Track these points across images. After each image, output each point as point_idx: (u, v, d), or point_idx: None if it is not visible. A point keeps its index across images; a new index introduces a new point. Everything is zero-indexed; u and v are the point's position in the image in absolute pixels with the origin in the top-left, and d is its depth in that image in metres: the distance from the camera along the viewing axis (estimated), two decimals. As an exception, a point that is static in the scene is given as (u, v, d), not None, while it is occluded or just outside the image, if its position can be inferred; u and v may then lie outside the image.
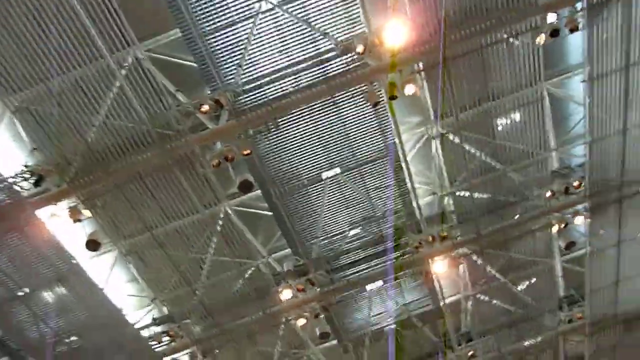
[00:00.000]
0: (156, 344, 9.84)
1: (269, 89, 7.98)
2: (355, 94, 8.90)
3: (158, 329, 10.02)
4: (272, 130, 8.32)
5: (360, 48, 7.50)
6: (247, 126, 7.75)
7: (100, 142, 7.95)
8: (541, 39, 7.86)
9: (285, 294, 9.62)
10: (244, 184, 8.06)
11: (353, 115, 9.26)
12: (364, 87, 8.06)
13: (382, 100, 8.11)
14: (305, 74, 7.98)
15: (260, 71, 8.00)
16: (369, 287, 11.44)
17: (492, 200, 10.57)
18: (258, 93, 7.95)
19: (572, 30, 7.94)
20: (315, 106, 8.54)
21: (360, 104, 8.93)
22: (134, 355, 10.21)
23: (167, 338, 9.93)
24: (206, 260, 10.04)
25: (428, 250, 9.93)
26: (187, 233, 10.03)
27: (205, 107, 7.51)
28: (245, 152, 7.91)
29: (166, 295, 10.67)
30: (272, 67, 8.01)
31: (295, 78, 8.01)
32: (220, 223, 10.11)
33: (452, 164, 10.63)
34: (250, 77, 7.93)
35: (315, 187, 10.01)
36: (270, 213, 10.19)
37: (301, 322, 10.06)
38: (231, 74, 7.81)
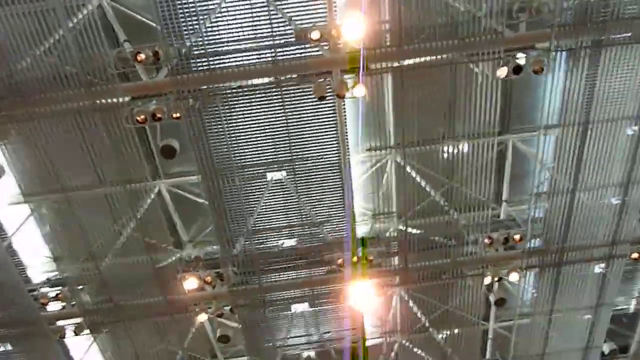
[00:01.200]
0: (41, 306, 9.04)
1: (219, 59, 7.63)
2: (312, 98, 8.74)
3: (49, 290, 9.25)
4: (224, 113, 7.97)
5: (315, 35, 7.19)
6: (181, 87, 7.28)
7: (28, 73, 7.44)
8: (502, 72, 7.59)
9: (190, 283, 8.95)
10: (165, 149, 7.54)
11: (310, 120, 8.99)
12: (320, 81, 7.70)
13: (329, 95, 7.72)
14: (258, 54, 7.66)
15: (217, 41, 7.67)
16: (293, 307, 10.98)
17: (429, 239, 10.16)
18: (206, 61, 7.57)
19: (535, 72, 7.72)
20: (269, 105, 8.25)
21: (320, 111, 8.72)
22: (22, 314, 9.38)
23: (57, 303, 9.19)
24: (123, 234, 9.41)
25: (350, 271, 9.35)
26: (116, 200, 9.42)
27: (142, 56, 7.07)
28: (174, 115, 7.45)
29: (71, 261, 9.97)
30: (230, 39, 7.67)
31: (247, 56, 7.69)
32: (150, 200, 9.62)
33: (401, 195, 10.35)
34: (205, 44, 7.57)
35: (258, 185, 9.60)
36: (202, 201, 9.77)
37: (202, 317, 9.34)
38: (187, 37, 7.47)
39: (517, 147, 10.55)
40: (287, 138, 9.05)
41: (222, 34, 7.67)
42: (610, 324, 11.42)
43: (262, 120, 8.80)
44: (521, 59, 7.71)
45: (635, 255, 9.85)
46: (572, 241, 9.46)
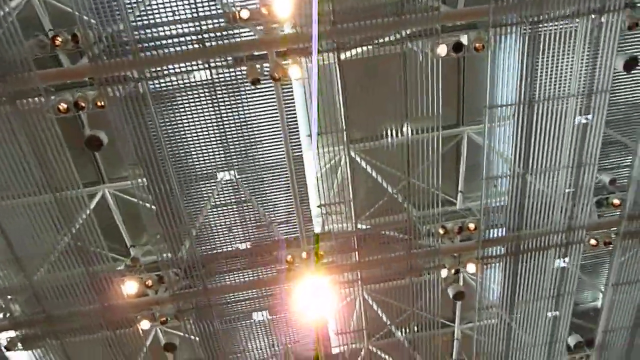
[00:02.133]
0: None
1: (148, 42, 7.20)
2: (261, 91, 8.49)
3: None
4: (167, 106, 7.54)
5: (245, 14, 6.86)
6: (103, 73, 6.83)
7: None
8: (442, 50, 7.36)
9: (129, 287, 8.39)
10: (91, 140, 7.06)
11: (258, 115, 8.79)
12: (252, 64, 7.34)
13: (265, 79, 7.36)
14: (190, 39, 7.28)
15: (143, 26, 7.26)
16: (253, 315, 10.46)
17: (384, 234, 9.80)
18: (132, 46, 7.11)
19: (477, 50, 7.52)
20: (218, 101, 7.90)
21: (269, 106, 8.48)
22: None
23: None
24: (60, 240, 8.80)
25: (302, 269, 8.91)
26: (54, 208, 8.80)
27: (59, 40, 6.63)
28: (99, 104, 6.99)
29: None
30: (162, 22, 7.27)
31: (179, 40, 7.30)
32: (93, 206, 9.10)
33: (356, 190, 10.03)
34: (130, 28, 7.11)
35: (207, 185, 9.22)
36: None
37: (145, 324, 8.74)
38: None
39: (472, 138, 10.39)
40: (231, 135, 8.68)
41: (149, 16, 7.26)
42: (578, 318, 11.24)
43: (199, 116, 8.44)
44: (463, 37, 7.52)
45: (593, 241, 9.65)
46: (528, 228, 9.20)
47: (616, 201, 9.31)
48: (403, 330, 11.22)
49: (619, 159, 10.25)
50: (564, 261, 10.12)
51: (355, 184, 10.65)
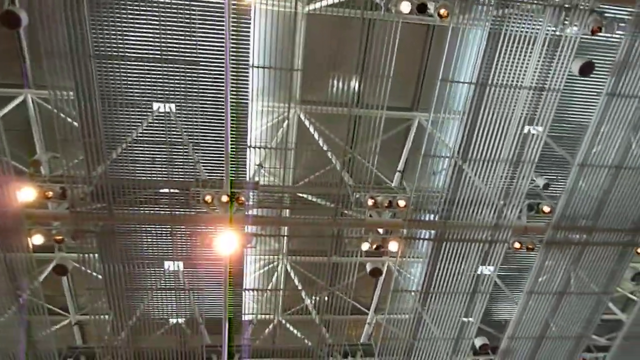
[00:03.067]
0: None
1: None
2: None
3: None
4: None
5: None
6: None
7: None
8: (405, 7, 7.05)
9: (25, 194, 7.65)
10: (7, 15, 6.32)
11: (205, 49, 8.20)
12: None
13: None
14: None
15: None
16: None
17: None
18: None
19: (440, 16, 7.26)
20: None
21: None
22: None
23: None
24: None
25: (219, 213, 8.42)
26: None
27: None
28: None
29: None
30: None
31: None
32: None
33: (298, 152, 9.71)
34: None
35: (139, 113, 8.52)
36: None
37: (37, 239, 7.99)
38: None
39: (423, 125, 10.21)
40: (174, 67, 8.05)
41: None
42: (489, 326, 11.27)
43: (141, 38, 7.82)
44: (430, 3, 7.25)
45: (517, 244, 9.61)
46: (457, 219, 9.05)
47: (546, 208, 9.31)
48: (318, 308, 10.86)
49: (558, 171, 10.30)
50: (487, 268, 10.12)
51: (298, 149, 10.35)
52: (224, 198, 8.28)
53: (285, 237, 11.76)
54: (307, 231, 9.57)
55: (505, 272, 11.73)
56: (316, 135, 10.00)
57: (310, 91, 9.93)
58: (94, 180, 8.07)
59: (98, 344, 9.81)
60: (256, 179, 9.23)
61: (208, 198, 8.21)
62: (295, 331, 12.29)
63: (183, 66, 7.95)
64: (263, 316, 12.18)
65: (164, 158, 8.76)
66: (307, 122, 10.09)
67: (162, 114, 8.77)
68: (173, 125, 8.72)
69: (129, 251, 9.05)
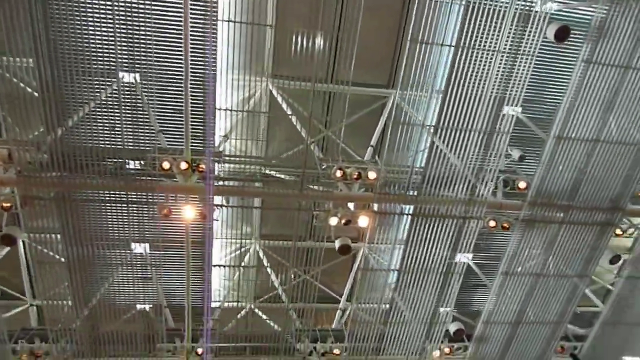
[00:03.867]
0: None
1: None
2: None
3: None
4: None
5: None
6: None
7: None
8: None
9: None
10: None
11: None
12: None
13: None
14: None
15: None
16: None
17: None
18: None
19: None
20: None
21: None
22: None
23: None
24: None
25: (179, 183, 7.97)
26: None
27: None
28: None
29: None
30: None
31: None
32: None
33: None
34: None
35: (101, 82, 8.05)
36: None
37: None
38: None
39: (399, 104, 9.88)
40: (138, 35, 7.66)
41: None
42: (466, 317, 10.92)
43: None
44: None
45: (492, 222, 9.28)
46: (430, 195, 8.70)
47: (522, 184, 8.99)
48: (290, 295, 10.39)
49: (534, 149, 10.01)
50: (464, 256, 9.79)
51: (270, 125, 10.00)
52: (183, 165, 7.84)
53: (255, 221, 11.39)
54: (273, 203, 9.13)
55: (482, 260, 11.40)
56: (289, 111, 9.63)
57: (283, 65, 9.57)
58: (44, 145, 7.59)
59: (52, 326, 9.27)
60: (221, 150, 8.81)
61: (166, 164, 7.76)
62: (264, 316, 11.85)
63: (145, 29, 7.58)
64: (232, 304, 11.73)
65: (126, 127, 8.32)
66: (279, 98, 9.73)
67: (127, 84, 8.36)
68: (135, 94, 8.30)
69: (85, 223, 8.56)
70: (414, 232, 9.00)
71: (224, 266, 9.85)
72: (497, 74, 7.82)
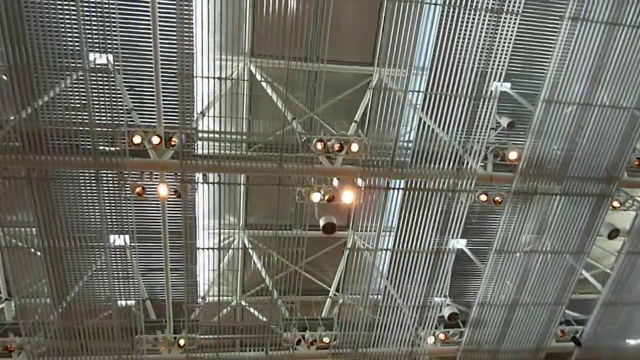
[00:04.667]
0: None
1: None
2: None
3: None
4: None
5: None
6: None
7: None
8: None
9: None
10: None
11: None
12: None
13: None
14: None
15: None
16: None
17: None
18: None
19: None
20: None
21: None
22: None
23: None
24: None
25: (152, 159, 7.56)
26: None
27: None
28: None
29: None
30: None
31: None
32: None
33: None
34: None
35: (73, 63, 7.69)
36: None
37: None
38: None
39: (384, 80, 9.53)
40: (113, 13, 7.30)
41: None
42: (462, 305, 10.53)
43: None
44: None
45: (483, 197, 8.92)
46: (417, 168, 8.32)
47: (512, 155, 8.60)
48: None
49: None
50: (457, 242, 9.42)
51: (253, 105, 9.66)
52: (155, 139, 7.45)
53: (240, 210, 11.01)
54: (255, 180, 8.69)
55: (476, 246, 11.00)
56: (269, 91, 9.28)
57: (263, 45, 9.23)
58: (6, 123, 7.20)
59: (25, 320, 8.81)
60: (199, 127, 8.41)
61: (137, 139, 7.37)
62: (252, 310, 11.40)
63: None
64: (219, 297, 11.27)
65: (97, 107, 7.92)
66: (258, 76, 9.39)
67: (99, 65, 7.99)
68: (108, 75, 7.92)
69: (59, 209, 8.12)
70: (405, 209, 8.60)
71: (208, 249, 9.37)
72: (483, 34, 7.47)
